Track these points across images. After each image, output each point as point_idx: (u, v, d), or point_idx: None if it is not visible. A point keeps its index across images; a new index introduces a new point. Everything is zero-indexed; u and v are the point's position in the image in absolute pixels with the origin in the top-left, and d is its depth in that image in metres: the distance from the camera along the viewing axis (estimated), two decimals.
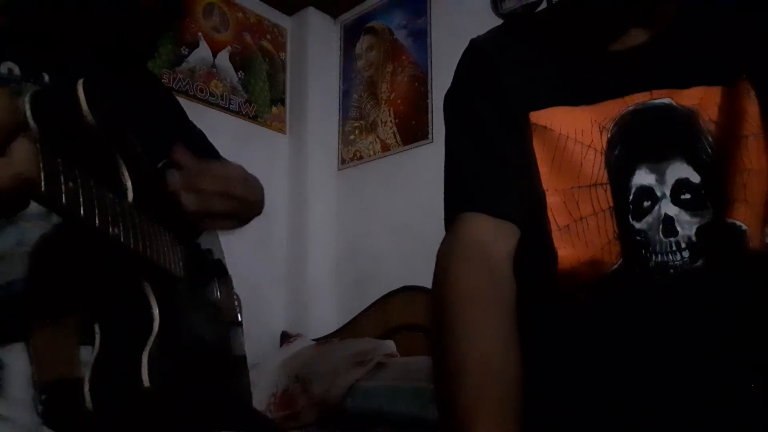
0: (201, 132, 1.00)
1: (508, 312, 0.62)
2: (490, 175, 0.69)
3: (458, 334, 0.59)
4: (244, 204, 0.79)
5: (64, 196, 0.48)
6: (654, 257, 0.65)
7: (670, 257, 0.64)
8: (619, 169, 0.66)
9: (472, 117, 0.72)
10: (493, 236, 0.66)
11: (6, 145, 0.42)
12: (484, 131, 0.70)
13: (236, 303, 0.90)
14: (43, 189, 0.45)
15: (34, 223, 0.62)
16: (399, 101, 2.79)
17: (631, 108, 0.66)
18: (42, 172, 0.45)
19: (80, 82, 0.60)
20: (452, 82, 0.77)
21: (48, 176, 0.46)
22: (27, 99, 0.55)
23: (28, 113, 0.54)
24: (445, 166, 0.73)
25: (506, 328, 0.60)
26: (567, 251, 0.66)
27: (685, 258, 0.64)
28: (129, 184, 0.64)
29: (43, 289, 0.60)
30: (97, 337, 0.60)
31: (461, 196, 0.70)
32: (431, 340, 0.62)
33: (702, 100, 0.66)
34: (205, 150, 0.98)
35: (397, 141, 2.75)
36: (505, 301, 0.62)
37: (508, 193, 0.68)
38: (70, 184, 0.49)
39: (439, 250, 0.67)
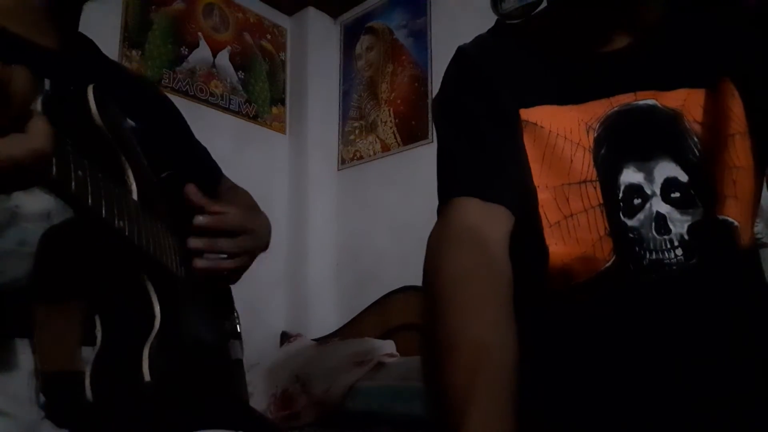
0: (204, 149, 1.01)
1: (503, 294, 0.60)
2: (481, 162, 0.68)
3: (451, 316, 0.57)
4: (256, 244, 0.84)
5: (73, 182, 0.48)
6: (648, 255, 0.65)
7: (666, 255, 0.65)
8: (606, 167, 0.67)
9: (464, 116, 0.72)
10: (485, 219, 0.65)
11: (26, 121, 0.43)
12: (476, 128, 0.70)
13: (235, 315, 0.91)
14: (54, 173, 0.46)
15: (35, 224, 0.62)
16: (399, 101, 2.79)
17: (616, 108, 0.67)
18: (54, 156, 0.46)
19: (90, 87, 0.61)
20: (441, 88, 0.77)
21: (59, 161, 0.46)
22: (39, 101, 0.55)
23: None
24: (438, 161, 0.73)
25: (501, 311, 0.58)
26: (558, 248, 0.67)
27: (679, 256, 0.64)
28: (134, 186, 0.64)
29: (46, 284, 0.61)
30: (99, 331, 0.61)
31: (452, 182, 0.69)
32: (422, 325, 0.60)
33: (686, 102, 0.67)
34: (206, 167, 0.99)
35: (397, 141, 2.76)
36: (500, 283, 0.61)
37: (500, 179, 0.67)
38: (80, 172, 0.49)
39: (429, 236, 0.66)
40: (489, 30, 0.79)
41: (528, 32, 0.76)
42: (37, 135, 0.43)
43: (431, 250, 0.64)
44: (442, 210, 0.68)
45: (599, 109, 0.68)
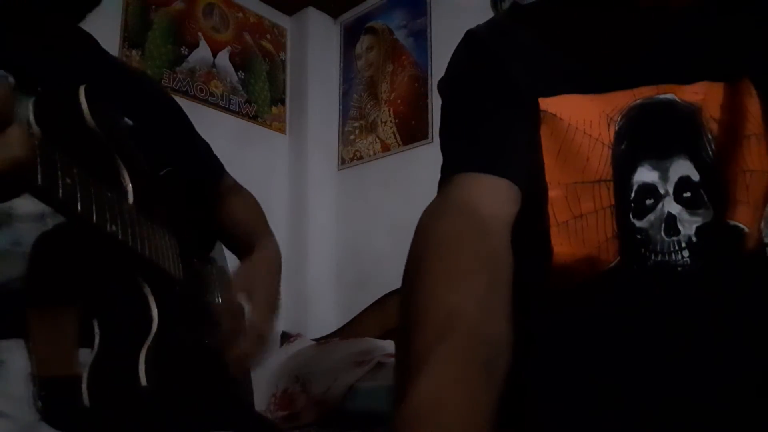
0: (206, 144, 1.00)
1: (494, 269, 0.53)
2: (489, 138, 0.64)
3: (427, 280, 0.51)
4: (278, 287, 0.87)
5: (61, 190, 0.48)
6: (654, 257, 0.64)
7: (673, 257, 0.64)
8: (622, 165, 0.65)
9: (474, 94, 0.68)
10: (485, 195, 0.60)
11: (2, 129, 0.42)
12: (487, 106, 0.66)
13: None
14: (39, 182, 0.45)
15: (29, 225, 0.62)
16: (399, 101, 2.79)
17: (638, 101, 0.65)
18: (39, 166, 0.45)
19: (82, 87, 0.61)
20: (448, 70, 0.73)
21: (45, 169, 0.46)
22: (30, 104, 0.55)
23: (32, 118, 0.54)
24: (441, 139, 0.69)
25: (488, 283, 0.51)
26: (563, 248, 0.65)
27: (686, 258, 0.64)
28: (129, 187, 0.64)
29: (42, 287, 0.60)
30: (96, 335, 0.60)
31: (454, 158, 0.66)
32: (400, 300, 0.53)
33: (706, 96, 0.65)
34: (207, 164, 0.98)
35: (397, 141, 2.75)
36: (492, 258, 0.54)
37: (509, 155, 0.63)
38: (68, 179, 0.49)
39: (422, 213, 0.60)
40: (500, 14, 0.76)
41: (544, 18, 0.72)
42: (13, 143, 0.42)
43: (421, 221, 0.59)
44: (441, 185, 0.65)
45: (622, 100, 0.65)
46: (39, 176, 0.45)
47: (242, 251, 0.89)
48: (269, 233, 0.95)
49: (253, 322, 0.77)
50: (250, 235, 0.90)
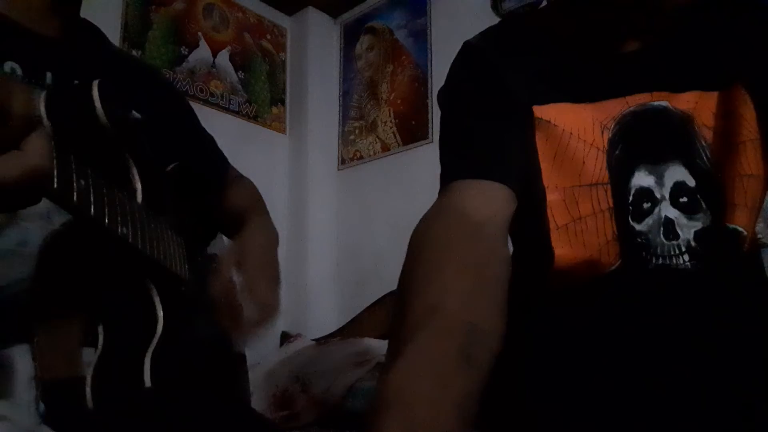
0: (211, 138, 1.01)
1: (481, 270, 0.53)
2: (486, 145, 0.66)
3: (413, 284, 0.52)
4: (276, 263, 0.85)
5: (75, 194, 0.48)
6: (654, 260, 0.65)
7: (673, 260, 0.64)
8: (619, 169, 0.66)
9: (471, 104, 0.70)
10: (478, 199, 0.61)
11: (21, 138, 0.43)
12: (484, 116, 0.68)
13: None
14: (55, 186, 0.45)
15: (36, 224, 0.62)
16: (399, 101, 2.79)
17: (632, 108, 0.66)
18: (55, 169, 0.45)
19: (95, 82, 0.61)
20: (447, 81, 0.75)
21: (61, 173, 0.46)
22: (42, 98, 0.55)
23: (43, 112, 0.54)
24: (440, 147, 0.70)
25: (473, 284, 0.51)
26: (564, 251, 0.66)
27: (686, 262, 0.64)
28: (139, 185, 0.64)
29: (47, 289, 0.60)
30: (101, 337, 0.60)
31: (452, 166, 0.67)
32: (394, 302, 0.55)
33: (697, 105, 0.66)
34: (213, 157, 0.98)
35: (397, 141, 2.75)
36: (485, 258, 0.55)
37: (504, 161, 0.64)
38: (82, 182, 0.49)
39: (419, 220, 0.62)
40: (497, 24, 0.77)
41: (539, 26, 0.73)
42: (35, 152, 0.43)
43: (416, 228, 0.61)
44: (440, 193, 0.66)
45: (614, 108, 0.66)
46: (55, 180, 0.45)
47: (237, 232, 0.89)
48: (264, 213, 0.95)
49: (251, 290, 0.75)
50: (244, 217, 0.90)
